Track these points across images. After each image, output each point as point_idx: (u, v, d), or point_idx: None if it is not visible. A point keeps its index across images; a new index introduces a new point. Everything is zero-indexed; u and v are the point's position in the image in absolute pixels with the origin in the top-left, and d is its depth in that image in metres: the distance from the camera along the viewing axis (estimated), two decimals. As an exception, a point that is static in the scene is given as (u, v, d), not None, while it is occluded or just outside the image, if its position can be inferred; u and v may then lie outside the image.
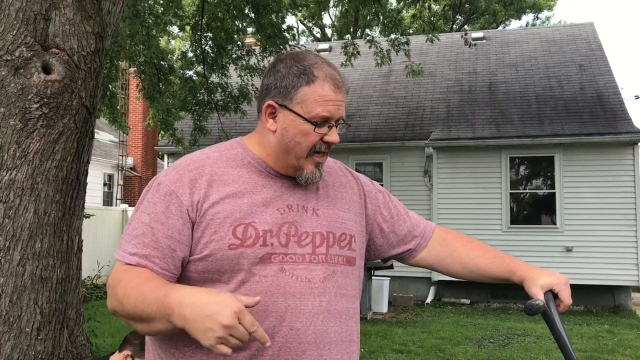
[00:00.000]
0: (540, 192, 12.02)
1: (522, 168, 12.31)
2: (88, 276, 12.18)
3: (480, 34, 16.47)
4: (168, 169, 1.50)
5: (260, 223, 1.42)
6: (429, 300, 11.67)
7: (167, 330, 1.27)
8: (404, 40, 11.28)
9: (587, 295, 11.29)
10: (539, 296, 1.54)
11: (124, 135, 18.87)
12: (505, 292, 11.74)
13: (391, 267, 9.52)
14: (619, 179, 11.21)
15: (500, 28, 28.75)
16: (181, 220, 1.40)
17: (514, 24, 31.60)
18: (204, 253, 1.39)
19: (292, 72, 1.46)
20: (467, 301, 11.71)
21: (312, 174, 1.49)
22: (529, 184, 12.24)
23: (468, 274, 1.72)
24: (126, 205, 15.35)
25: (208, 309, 1.16)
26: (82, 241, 3.96)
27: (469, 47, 13.24)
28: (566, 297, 1.55)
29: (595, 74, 13.41)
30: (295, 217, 1.46)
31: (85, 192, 3.87)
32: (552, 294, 1.56)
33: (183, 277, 1.42)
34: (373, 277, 10.04)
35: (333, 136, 1.48)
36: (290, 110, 1.45)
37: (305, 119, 1.44)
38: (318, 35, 31.21)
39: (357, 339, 1.54)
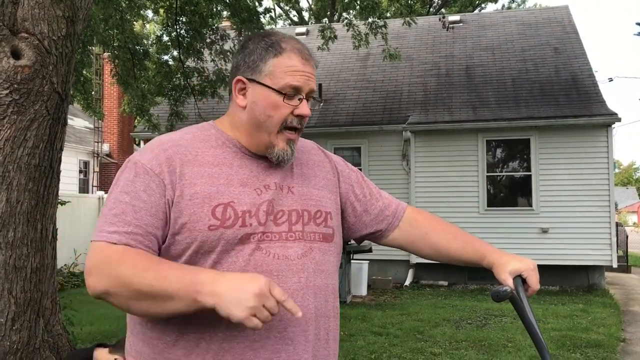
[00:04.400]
0: (516, 174, 12.14)
1: (498, 151, 12.41)
2: (65, 265, 12.05)
3: (457, 17, 16.50)
4: (141, 150, 1.48)
5: (238, 203, 1.41)
6: (407, 282, 11.78)
7: (183, 310, 1.26)
8: (381, 23, 11.24)
9: (562, 275, 11.50)
10: (507, 282, 1.56)
11: (99, 121, 18.60)
12: (483, 274, 11.88)
13: (370, 250, 9.57)
14: (594, 160, 11.37)
15: (476, 11, 28.82)
16: (163, 199, 1.38)
17: (490, 7, 31.68)
18: (183, 234, 1.37)
19: (260, 47, 1.47)
20: (445, 283, 11.85)
21: (284, 150, 1.47)
22: (505, 167, 12.36)
23: (438, 256, 1.73)
24: (103, 192, 15.18)
25: (241, 282, 1.22)
26: (56, 229, 3.90)
27: (447, 30, 13.27)
28: (534, 282, 1.57)
29: (570, 57, 13.54)
30: (271, 195, 1.46)
31: (59, 179, 3.80)
32: (520, 279, 1.57)
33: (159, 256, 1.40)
34: (352, 261, 10.09)
35: (303, 108, 1.46)
36: (260, 83, 1.45)
37: (274, 89, 1.43)
38: (295, 19, 30.98)
39: (336, 314, 1.55)
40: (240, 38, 11.15)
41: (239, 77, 1.48)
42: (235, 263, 1.38)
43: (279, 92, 1.43)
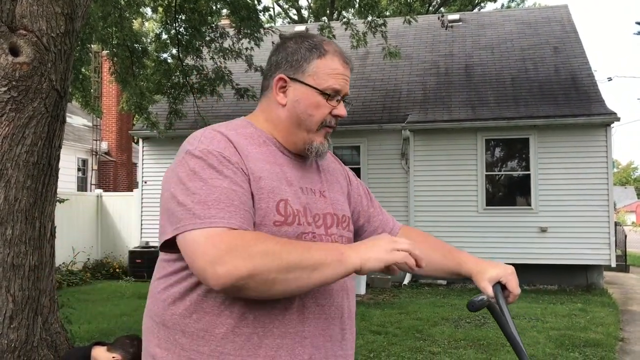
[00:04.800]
0: (515, 173, 12.14)
1: (497, 150, 12.41)
2: (63, 263, 12.04)
3: (456, 16, 16.49)
4: (204, 141, 1.42)
5: (292, 202, 1.44)
6: (406, 281, 11.78)
7: (330, 276, 1.31)
8: (380, 22, 11.22)
9: (561, 274, 11.50)
10: (487, 290, 1.57)
11: (98, 119, 18.57)
12: (481, 272, 11.87)
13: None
14: (592, 160, 11.37)
15: (476, 10, 28.81)
16: (249, 188, 1.38)
17: (490, 6, 31.69)
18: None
19: (303, 47, 1.51)
20: (444, 282, 11.84)
21: (322, 144, 1.53)
22: (504, 166, 12.36)
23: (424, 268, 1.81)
24: (101, 190, 15.17)
25: (373, 239, 1.38)
26: (55, 227, 3.89)
27: (446, 29, 13.24)
28: (514, 286, 1.60)
29: (569, 56, 13.53)
30: (307, 199, 1.50)
31: (57, 177, 3.79)
32: (500, 286, 1.58)
33: None
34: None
35: (341, 109, 1.53)
36: (302, 82, 1.49)
37: (318, 90, 1.48)
38: (295, 17, 30.95)
39: (355, 313, 1.63)
40: (239, 35, 11.11)
41: (280, 75, 1.51)
42: None
43: (322, 92, 1.48)
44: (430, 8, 28.92)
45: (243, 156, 1.41)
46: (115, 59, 11.14)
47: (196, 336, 1.37)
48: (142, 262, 12.50)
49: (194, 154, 1.38)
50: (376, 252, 1.31)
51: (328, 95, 1.49)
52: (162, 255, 1.49)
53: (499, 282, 1.58)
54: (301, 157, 1.56)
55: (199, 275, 1.29)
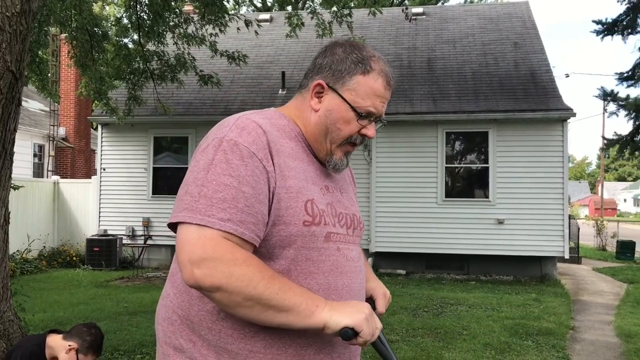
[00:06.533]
0: (474, 166, 12.35)
1: (457, 143, 12.60)
2: (17, 250, 11.74)
3: (420, 9, 16.61)
4: (234, 129, 1.38)
5: (317, 201, 1.43)
6: (366, 271, 11.86)
7: (292, 324, 1.29)
8: (346, 12, 11.22)
9: (516, 265, 11.79)
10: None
11: (55, 104, 18.10)
12: (440, 263, 12.11)
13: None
14: (549, 154, 11.66)
15: (439, 4, 29.07)
16: (267, 187, 1.35)
17: (453, 0, 32.02)
18: (278, 226, 1.36)
19: (350, 58, 1.48)
20: (403, 272, 12.01)
21: (341, 160, 1.52)
22: (463, 159, 12.56)
23: None
24: (58, 177, 14.81)
25: (354, 303, 1.37)
26: (9, 213, 3.79)
27: (409, 22, 13.32)
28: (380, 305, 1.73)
29: (529, 52, 13.81)
30: (331, 198, 1.50)
31: (11, 161, 3.70)
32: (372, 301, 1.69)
33: None
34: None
35: (371, 130, 1.51)
36: (339, 94, 1.47)
37: (352, 107, 1.46)
38: (259, 5, 30.71)
39: None
40: (202, 21, 10.97)
41: (319, 80, 1.49)
42: (325, 262, 1.41)
43: (355, 110, 1.46)
44: (395, 0, 29.06)
45: (274, 150, 1.38)
46: (74, 42, 10.86)
47: (224, 334, 1.36)
48: (100, 251, 12.29)
49: (220, 142, 1.35)
50: (352, 314, 1.31)
51: (361, 115, 1.46)
52: None
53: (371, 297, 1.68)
54: None
55: (178, 266, 1.31)
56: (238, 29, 11.67)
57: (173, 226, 1.34)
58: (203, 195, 1.29)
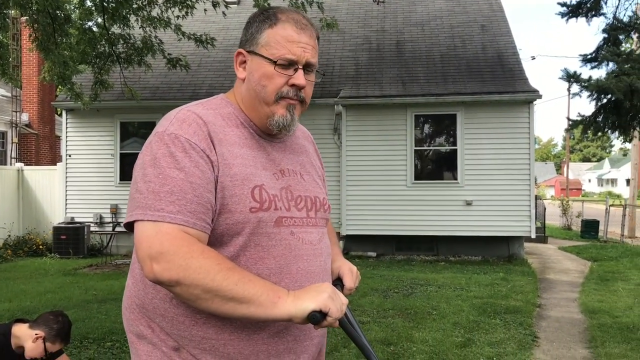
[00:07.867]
0: (442, 148, 12.47)
1: (426, 126, 12.69)
2: (-19, 239, 11.47)
3: (388, -8, 16.56)
4: (175, 122, 1.40)
5: (268, 187, 1.43)
6: (337, 254, 11.93)
7: (254, 315, 1.28)
8: (316, -7, 11.11)
9: (484, 245, 11.99)
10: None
11: (17, 89, 17.63)
12: (410, 244, 12.24)
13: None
14: (516, 136, 11.83)
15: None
16: (212, 177, 1.35)
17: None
18: (223, 214, 1.36)
19: (258, 19, 1.49)
20: (374, 254, 12.11)
21: (284, 117, 1.47)
22: (432, 141, 12.67)
23: None
24: (22, 164, 14.48)
25: (316, 285, 1.35)
26: (-30, 201, 3.69)
27: (377, 4, 13.29)
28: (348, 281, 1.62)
29: (496, 35, 13.93)
30: (288, 181, 1.49)
31: (-28, 148, 3.59)
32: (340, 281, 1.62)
33: None
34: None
35: (298, 78, 1.46)
36: (256, 53, 1.46)
37: (268, 59, 1.44)
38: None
39: None
40: (168, 3, 10.78)
41: (239, 49, 1.50)
42: (275, 247, 1.40)
43: (271, 61, 1.44)
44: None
45: (216, 140, 1.39)
46: (36, 25, 10.55)
47: (176, 321, 1.38)
48: (67, 238, 12.10)
49: (161, 137, 1.37)
50: (315, 296, 1.30)
51: (277, 63, 1.43)
52: None
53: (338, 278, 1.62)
54: (278, 138, 1.54)
55: (139, 263, 1.32)
56: (205, 10, 11.50)
57: (129, 226, 1.35)
58: (151, 191, 1.31)
